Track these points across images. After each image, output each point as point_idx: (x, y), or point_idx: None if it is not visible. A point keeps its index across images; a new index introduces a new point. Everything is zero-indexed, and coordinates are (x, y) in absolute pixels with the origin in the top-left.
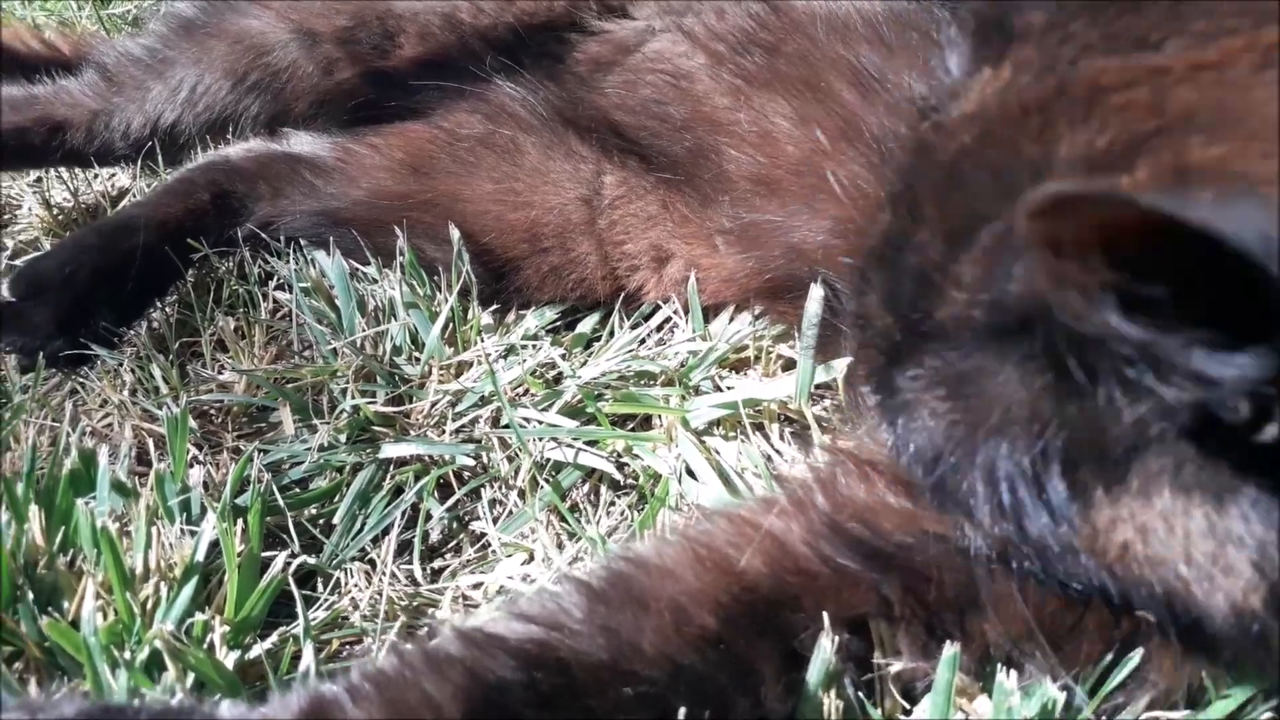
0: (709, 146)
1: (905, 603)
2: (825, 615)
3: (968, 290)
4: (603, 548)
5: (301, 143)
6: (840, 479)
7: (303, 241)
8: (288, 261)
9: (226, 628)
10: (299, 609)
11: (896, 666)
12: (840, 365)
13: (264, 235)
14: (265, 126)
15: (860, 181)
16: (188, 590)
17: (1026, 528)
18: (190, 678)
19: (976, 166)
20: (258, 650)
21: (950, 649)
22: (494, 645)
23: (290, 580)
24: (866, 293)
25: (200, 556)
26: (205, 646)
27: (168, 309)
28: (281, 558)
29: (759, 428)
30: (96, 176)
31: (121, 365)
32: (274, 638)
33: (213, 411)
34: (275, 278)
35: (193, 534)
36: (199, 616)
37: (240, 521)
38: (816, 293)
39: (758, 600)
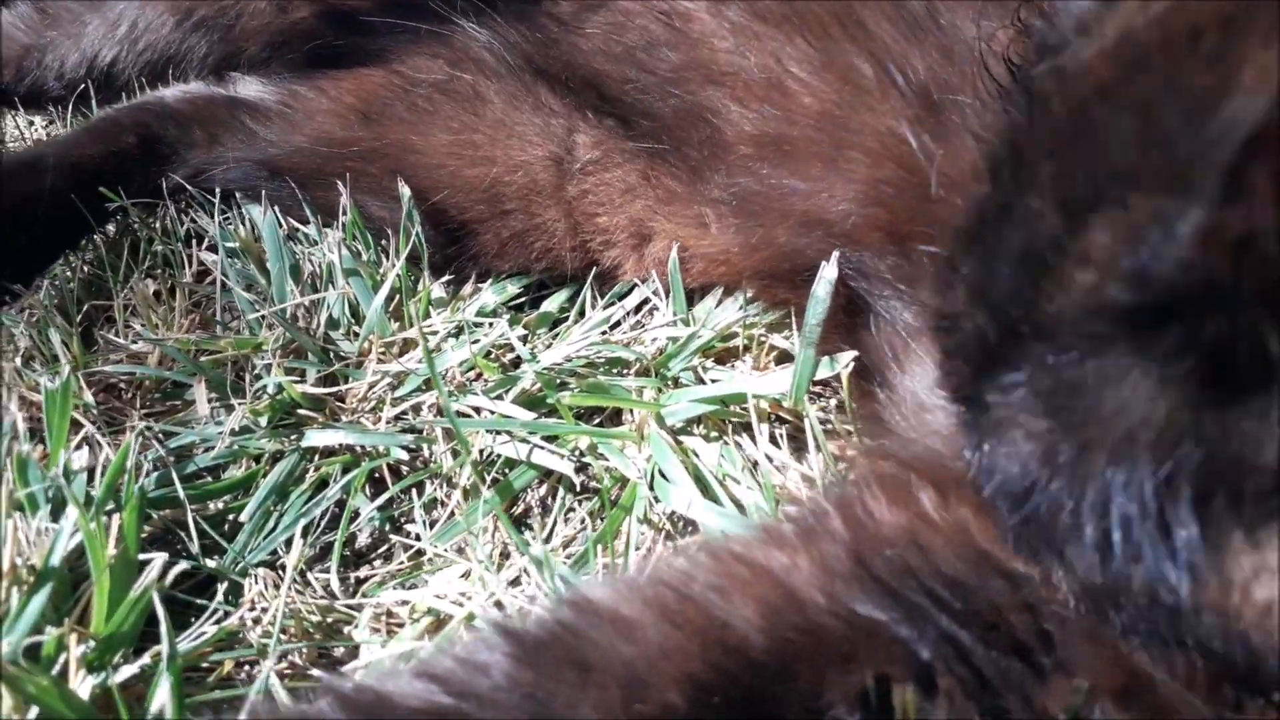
0: (703, 105)
1: (950, 669)
2: (831, 694)
3: (1099, 266)
4: (548, 567)
5: (247, 87)
6: (867, 495)
7: (238, 196)
8: (219, 218)
9: (90, 645)
10: (162, 629)
11: None
12: (845, 358)
13: (193, 188)
14: (213, 71)
15: (902, 138)
16: (37, 601)
17: (1136, 574)
18: (34, 711)
19: (1116, 110)
20: (126, 673)
21: None
22: (380, 712)
23: (155, 593)
24: (953, 286)
25: (57, 559)
26: (59, 669)
27: (79, 266)
28: (159, 560)
29: (746, 428)
30: (32, 124)
31: (18, 328)
32: (146, 658)
33: (122, 386)
34: (206, 239)
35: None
36: (52, 631)
37: (119, 516)
38: (829, 273)
39: (745, 668)
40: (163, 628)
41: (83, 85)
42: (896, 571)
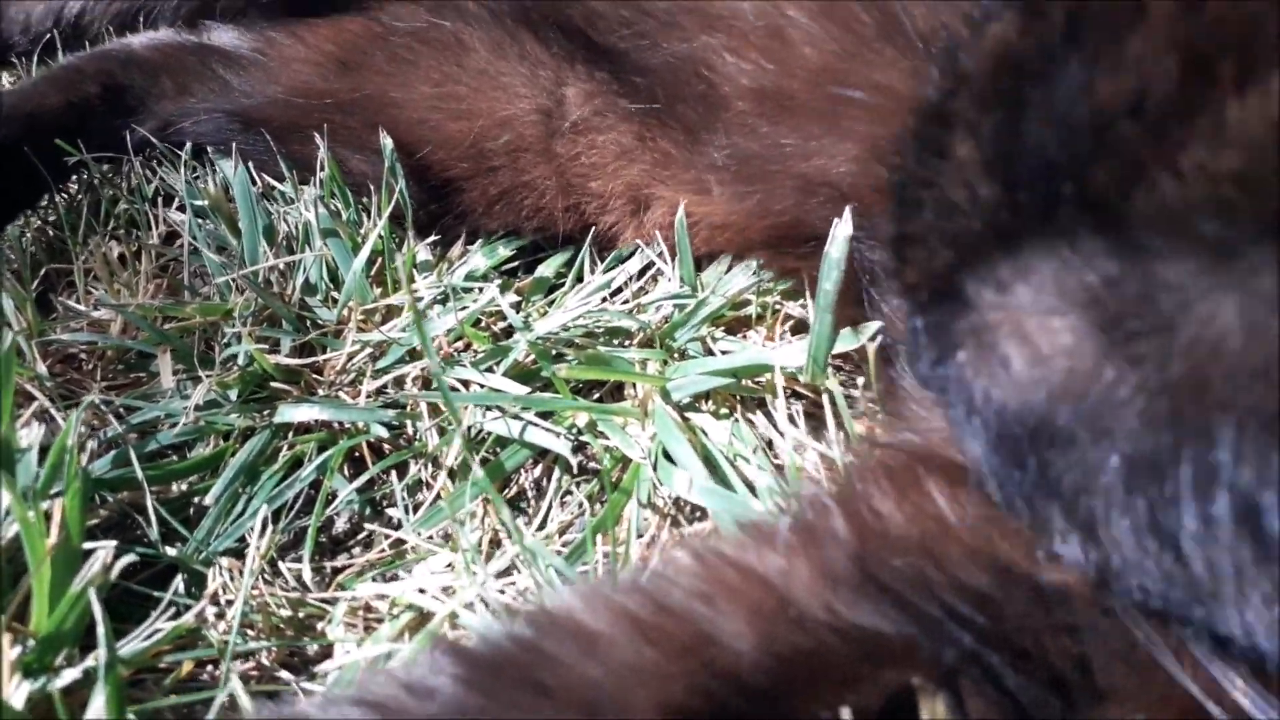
0: (698, 57)
1: (979, 690)
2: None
3: (1244, 149)
4: (541, 558)
5: (221, 35)
6: (874, 489)
7: (209, 152)
8: (187, 174)
9: (29, 644)
10: (100, 630)
11: None
12: (870, 329)
13: (161, 143)
14: (186, 20)
15: (902, 93)
16: None
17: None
18: None
19: None
20: (69, 677)
21: None
22: None
23: (92, 589)
24: (946, 147)
25: None
26: None
27: (36, 227)
28: (104, 550)
29: (759, 404)
30: None
31: None
32: (92, 659)
33: (82, 356)
34: (176, 199)
35: None
36: None
37: (62, 501)
38: (842, 231)
39: (735, 692)
40: (100, 629)
41: (49, 36)
42: (909, 582)
